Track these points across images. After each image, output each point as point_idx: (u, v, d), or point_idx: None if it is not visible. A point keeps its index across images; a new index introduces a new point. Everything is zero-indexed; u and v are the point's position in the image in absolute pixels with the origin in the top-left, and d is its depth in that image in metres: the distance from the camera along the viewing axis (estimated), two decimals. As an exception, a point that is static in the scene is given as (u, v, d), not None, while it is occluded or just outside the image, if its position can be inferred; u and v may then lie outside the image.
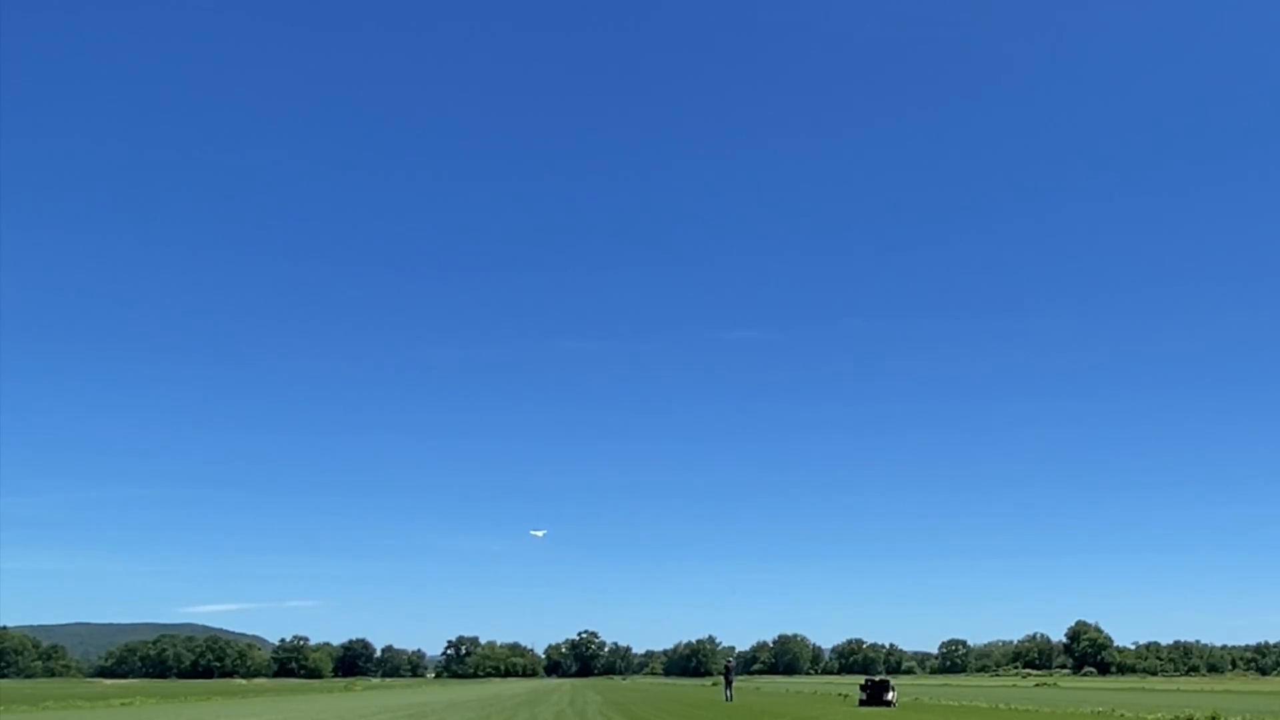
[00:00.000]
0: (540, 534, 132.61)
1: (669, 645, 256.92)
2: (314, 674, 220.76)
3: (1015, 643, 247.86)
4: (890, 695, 50.37)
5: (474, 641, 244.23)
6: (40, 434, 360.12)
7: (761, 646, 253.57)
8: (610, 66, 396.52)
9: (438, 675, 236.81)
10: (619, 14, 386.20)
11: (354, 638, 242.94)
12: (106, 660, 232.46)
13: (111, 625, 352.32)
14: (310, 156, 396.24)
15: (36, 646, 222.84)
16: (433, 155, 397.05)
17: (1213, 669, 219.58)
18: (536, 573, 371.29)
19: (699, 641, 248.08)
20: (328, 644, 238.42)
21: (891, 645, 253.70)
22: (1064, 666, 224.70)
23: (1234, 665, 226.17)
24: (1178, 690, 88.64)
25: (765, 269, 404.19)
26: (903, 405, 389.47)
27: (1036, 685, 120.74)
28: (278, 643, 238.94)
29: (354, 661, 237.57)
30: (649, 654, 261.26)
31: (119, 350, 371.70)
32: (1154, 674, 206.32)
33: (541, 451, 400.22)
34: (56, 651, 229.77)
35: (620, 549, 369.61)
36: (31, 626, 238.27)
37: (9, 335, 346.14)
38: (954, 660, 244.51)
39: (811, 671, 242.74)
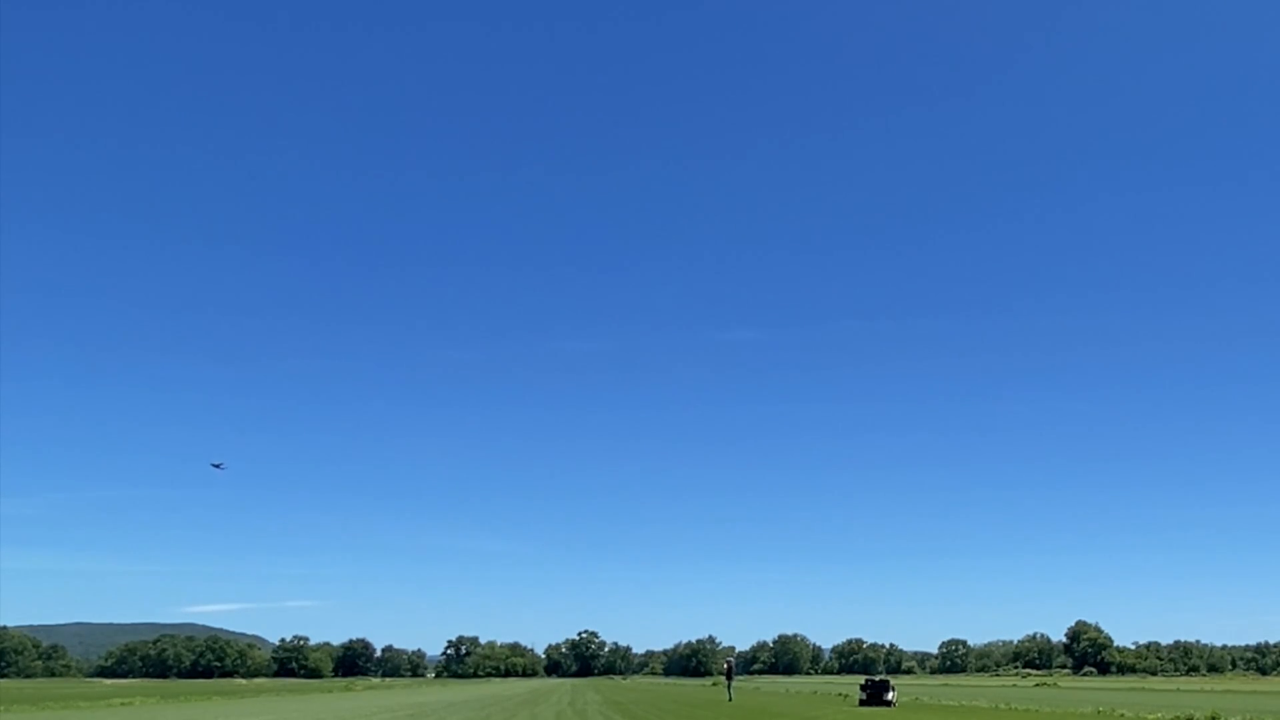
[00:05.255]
0: (220, 466, 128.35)
1: (669, 645, 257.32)
2: (314, 674, 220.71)
3: (1015, 643, 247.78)
4: (890, 695, 50.42)
5: (474, 641, 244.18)
6: (40, 434, 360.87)
7: (761, 646, 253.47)
8: (610, 66, 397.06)
9: (438, 675, 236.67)
10: (619, 13, 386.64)
11: (354, 638, 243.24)
12: (106, 660, 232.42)
13: (111, 625, 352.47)
14: (311, 156, 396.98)
15: (36, 646, 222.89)
16: (433, 154, 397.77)
17: (1213, 669, 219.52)
18: (536, 573, 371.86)
19: (699, 641, 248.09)
20: (328, 644, 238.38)
21: (891, 645, 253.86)
22: (1064, 666, 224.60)
23: (1234, 665, 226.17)
24: (1178, 690, 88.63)
25: (765, 269, 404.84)
26: (902, 405, 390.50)
27: (1036, 685, 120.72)
28: (278, 643, 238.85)
29: (354, 661, 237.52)
30: (649, 654, 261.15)
31: (119, 350, 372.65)
32: (1154, 674, 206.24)
33: (541, 451, 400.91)
34: (56, 651, 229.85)
35: (620, 549, 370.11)
36: (31, 626, 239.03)
37: (9, 335, 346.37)
38: (954, 660, 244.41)
39: (811, 671, 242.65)
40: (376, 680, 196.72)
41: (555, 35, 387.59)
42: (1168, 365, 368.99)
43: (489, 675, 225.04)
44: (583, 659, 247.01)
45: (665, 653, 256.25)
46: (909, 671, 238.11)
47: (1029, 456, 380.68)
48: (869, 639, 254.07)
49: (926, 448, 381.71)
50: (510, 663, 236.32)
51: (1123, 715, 40.90)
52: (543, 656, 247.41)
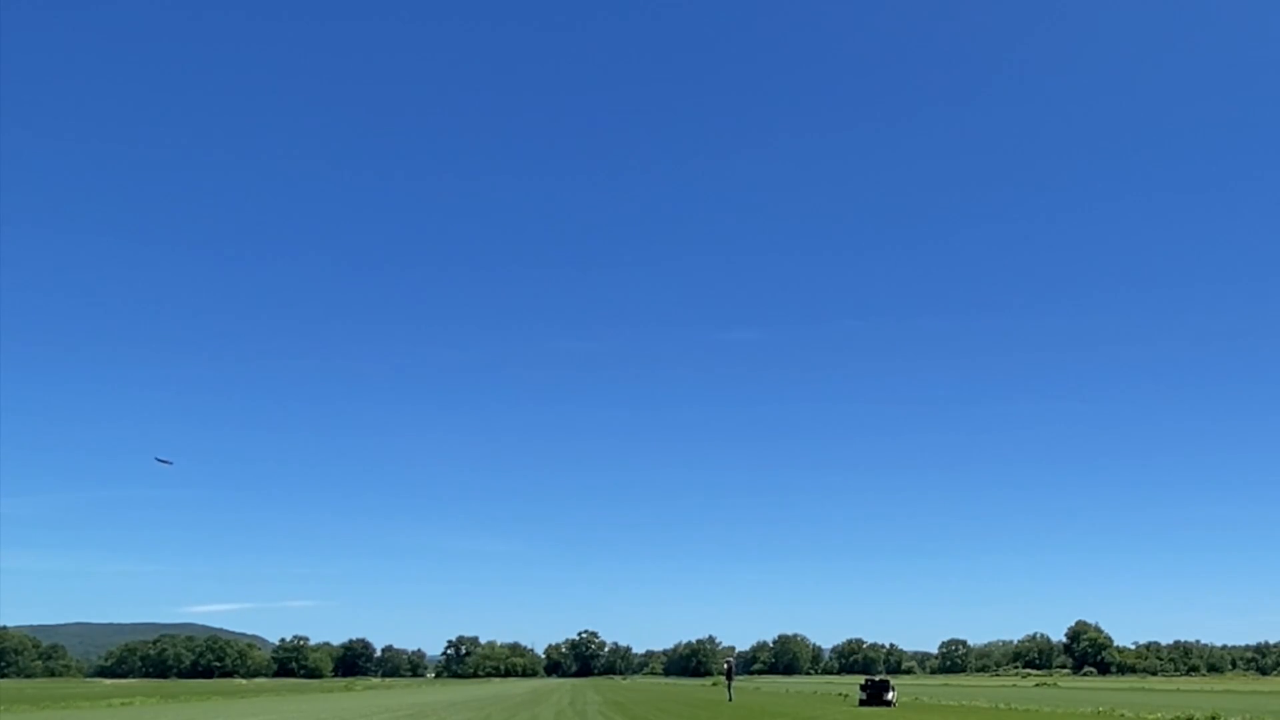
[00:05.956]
0: (166, 461, 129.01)
1: (669, 645, 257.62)
2: (314, 674, 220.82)
3: (1015, 643, 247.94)
4: (890, 695, 50.42)
5: (474, 641, 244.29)
6: (40, 434, 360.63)
7: (761, 646, 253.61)
8: (610, 66, 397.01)
9: (438, 675, 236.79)
10: (618, 14, 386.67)
11: (354, 638, 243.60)
12: (106, 660, 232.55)
13: (111, 625, 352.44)
14: (310, 156, 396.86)
15: (36, 646, 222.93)
16: (433, 155, 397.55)
17: (1213, 669, 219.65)
18: (536, 573, 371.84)
19: (699, 641, 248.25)
20: (328, 644, 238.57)
21: (891, 645, 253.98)
22: (1064, 666, 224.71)
23: (1234, 665, 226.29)
24: (1178, 690, 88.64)
25: (764, 269, 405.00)
26: (902, 405, 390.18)
27: (1036, 685, 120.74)
28: (278, 643, 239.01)
29: (354, 661, 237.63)
30: (649, 654, 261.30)
31: (119, 350, 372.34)
32: (1154, 674, 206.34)
33: (541, 451, 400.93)
34: (56, 651, 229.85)
35: (620, 549, 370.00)
36: (31, 626, 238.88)
37: (9, 335, 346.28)
38: (954, 660, 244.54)
39: (811, 671, 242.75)
40: (376, 680, 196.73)
41: (554, 35, 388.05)
42: (1168, 365, 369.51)
43: (489, 675, 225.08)
44: (583, 659, 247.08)
45: (665, 653, 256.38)
46: (909, 671, 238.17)
47: (1029, 456, 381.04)
48: (869, 639, 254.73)
49: (926, 448, 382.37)
50: (510, 663, 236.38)
51: (1123, 715, 40.89)
52: (543, 656, 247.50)
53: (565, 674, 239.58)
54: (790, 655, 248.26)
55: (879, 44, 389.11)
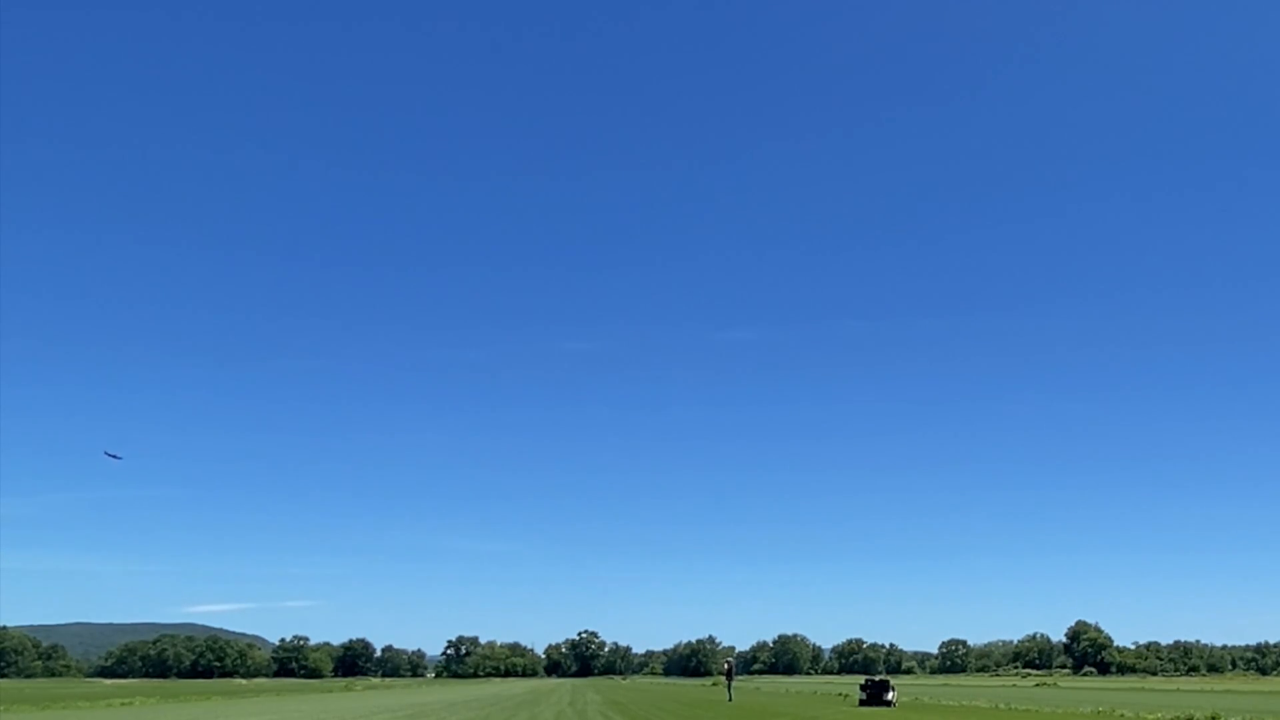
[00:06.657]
0: (115, 456, 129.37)
1: (669, 645, 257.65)
2: (314, 674, 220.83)
3: (1015, 643, 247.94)
4: (890, 695, 50.40)
5: (474, 641, 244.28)
6: (40, 434, 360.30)
7: (761, 646, 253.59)
8: (609, 66, 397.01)
9: (438, 675, 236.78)
10: (618, 14, 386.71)
11: (354, 638, 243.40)
12: (106, 660, 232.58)
13: (111, 625, 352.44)
14: (310, 156, 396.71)
15: (36, 646, 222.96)
16: (433, 155, 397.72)
17: (1213, 669, 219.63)
18: (536, 573, 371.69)
19: (699, 641, 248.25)
20: (328, 644, 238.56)
21: (891, 645, 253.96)
22: (1064, 666, 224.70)
23: (1234, 665, 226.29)
24: (1178, 690, 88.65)
25: (764, 269, 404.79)
26: (902, 405, 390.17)
27: (1036, 685, 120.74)
28: (278, 643, 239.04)
29: (354, 661, 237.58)
30: (649, 654, 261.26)
31: (119, 350, 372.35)
32: (1154, 674, 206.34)
33: (541, 451, 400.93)
34: (56, 651, 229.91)
35: (620, 549, 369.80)
36: (31, 626, 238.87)
37: (9, 335, 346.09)
38: (954, 660, 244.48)
39: (811, 671, 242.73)
40: (376, 680, 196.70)
41: (554, 35, 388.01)
42: (1168, 365, 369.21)
43: (489, 675, 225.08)
44: (583, 659, 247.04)
45: (665, 653, 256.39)
46: (909, 671, 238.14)
47: (1029, 457, 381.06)
48: (869, 639, 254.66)
49: (926, 448, 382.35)
50: (510, 663, 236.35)
51: (1123, 715, 40.87)
52: (543, 656, 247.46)
53: (565, 674, 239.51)
54: (790, 655, 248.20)
55: (879, 43, 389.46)
